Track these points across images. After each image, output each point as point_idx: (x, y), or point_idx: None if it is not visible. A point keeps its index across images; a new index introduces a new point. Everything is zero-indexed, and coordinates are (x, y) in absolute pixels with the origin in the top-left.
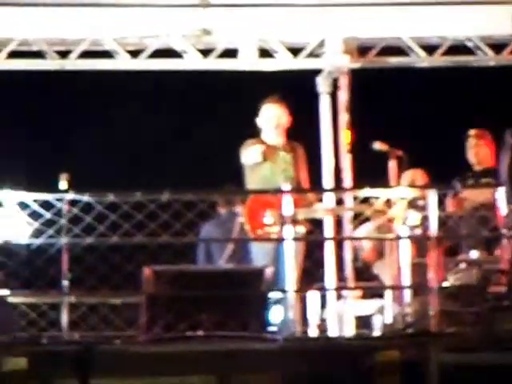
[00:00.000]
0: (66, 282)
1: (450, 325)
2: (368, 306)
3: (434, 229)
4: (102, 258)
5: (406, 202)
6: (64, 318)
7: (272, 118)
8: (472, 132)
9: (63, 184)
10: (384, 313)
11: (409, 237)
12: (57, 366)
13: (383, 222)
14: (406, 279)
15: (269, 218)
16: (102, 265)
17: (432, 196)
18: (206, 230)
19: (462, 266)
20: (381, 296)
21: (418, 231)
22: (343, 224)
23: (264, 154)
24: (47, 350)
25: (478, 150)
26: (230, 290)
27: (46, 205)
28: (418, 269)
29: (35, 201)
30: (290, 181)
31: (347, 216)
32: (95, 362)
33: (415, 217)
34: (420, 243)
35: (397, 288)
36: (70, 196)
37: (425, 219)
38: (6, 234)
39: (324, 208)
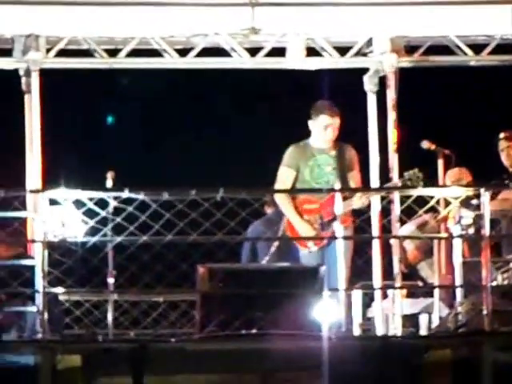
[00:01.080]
0: (111, 280)
1: (503, 324)
2: (414, 305)
3: (487, 228)
4: (158, 256)
5: (459, 201)
6: (110, 316)
7: (327, 129)
8: (502, 135)
9: (109, 182)
10: (431, 312)
11: (462, 236)
12: (111, 363)
13: (424, 221)
14: (458, 278)
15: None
16: (157, 263)
17: (485, 195)
18: (253, 229)
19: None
20: (427, 296)
21: (471, 230)
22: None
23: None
24: (102, 348)
25: (508, 152)
26: (284, 288)
27: (101, 203)
28: (469, 268)
29: (90, 199)
30: (331, 184)
31: (395, 215)
32: (150, 359)
33: (468, 215)
34: (471, 242)
35: (449, 287)
36: (126, 194)
37: (478, 218)
38: (61, 232)
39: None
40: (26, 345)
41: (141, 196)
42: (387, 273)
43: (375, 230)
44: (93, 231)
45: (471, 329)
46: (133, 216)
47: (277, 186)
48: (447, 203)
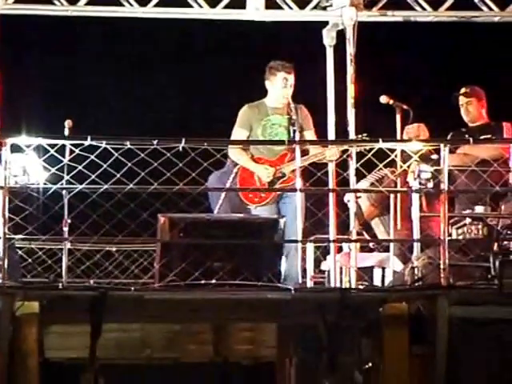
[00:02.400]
0: (65, 228)
1: (459, 278)
2: (369, 259)
3: (446, 182)
4: (119, 204)
5: (419, 156)
6: (64, 263)
7: (286, 86)
8: (462, 90)
9: (67, 131)
10: (385, 266)
11: (421, 190)
12: (70, 310)
13: (380, 176)
14: (416, 232)
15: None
16: (119, 212)
17: (445, 150)
18: (209, 180)
19: (467, 220)
20: (381, 250)
21: (430, 185)
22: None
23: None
24: (61, 295)
25: (468, 108)
26: (244, 239)
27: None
28: (425, 223)
29: (51, 146)
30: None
31: (352, 171)
32: (109, 307)
33: (427, 170)
34: (429, 197)
35: (407, 241)
36: (88, 142)
37: (437, 173)
38: (23, 179)
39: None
40: None
41: (103, 144)
42: (343, 227)
43: (331, 183)
44: (55, 179)
45: (427, 283)
46: (94, 164)
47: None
48: (405, 158)
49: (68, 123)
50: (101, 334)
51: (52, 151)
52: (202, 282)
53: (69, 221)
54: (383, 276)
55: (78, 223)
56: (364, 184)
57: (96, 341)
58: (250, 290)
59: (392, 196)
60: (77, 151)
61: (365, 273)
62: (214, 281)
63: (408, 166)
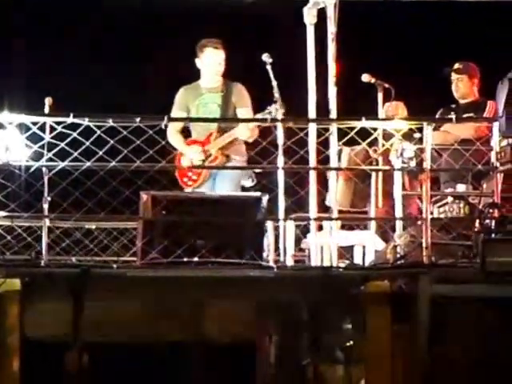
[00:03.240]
0: (45, 206)
1: (440, 257)
2: (349, 238)
3: (428, 161)
4: (101, 182)
5: (401, 134)
6: (44, 240)
7: (215, 64)
8: (455, 66)
9: (47, 108)
10: (365, 245)
11: (403, 169)
12: (52, 288)
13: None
14: (398, 211)
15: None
16: (100, 190)
17: (428, 128)
18: None
19: (449, 199)
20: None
21: (413, 163)
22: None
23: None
24: (42, 272)
25: (458, 84)
26: (227, 216)
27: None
28: (407, 201)
29: (34, 123)
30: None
31: (333, 149)
32: (91, 285)
33: (410, 148)
34: (412, 176)
35: (389, 219)
36: (70, 119)
37: (419, 151)
38: (4, 157)
39: None
40: None
41: (85, 122)
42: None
43: (311, 161)
44: (37, 157)
45: (409, 261)
46: (76, 142)
47: (168, 128)
48: (386, 137)
49: (48, 100)
50: (83, 312)
51: (34, 128)
52: (185, 259)
53: (49, 198)
54: (364, 254)
55: (60, 201)
56: (345, 151)
57: (78, 319)
58: (233, 267)
59: (373, 174)
60: (59, 128)
61: (345, 251)
62: (196, 258)
63: (390, 145)
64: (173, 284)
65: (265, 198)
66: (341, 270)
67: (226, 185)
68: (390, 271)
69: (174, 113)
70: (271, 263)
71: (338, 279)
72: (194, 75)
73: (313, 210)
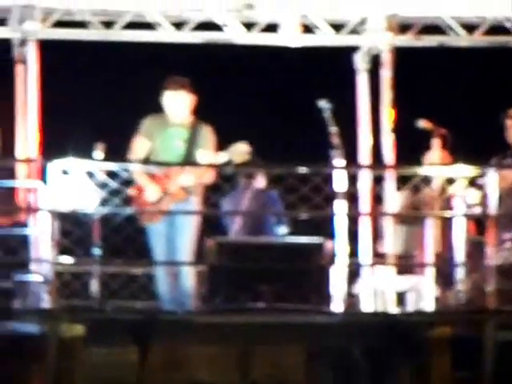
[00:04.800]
0: (97, 251)
1: (504, 302)
2: (403, 282)
3: (493, 206)
4: None
5: (466, 180)
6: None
7: (181, 104)
8: (510, 112)
9: (98, 154)
10: (419, 290)
11: (468, 214)
12: (117, 333)
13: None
14: (460, 256)
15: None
16: None
17: (492, 174)
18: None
19: (508, 244)
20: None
21: (476, 209)
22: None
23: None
24: (106, 318)
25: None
26: (290, 262)
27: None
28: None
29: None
30: (182, 157)
31: (388, 194)
32: (156, 331)
33: (474, 194)
34: (475, 221)
35: (453, 266)
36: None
37: (484, 197)
38: (72, 203)
39: None
40: (32, 313)
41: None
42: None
43: (364, 206)
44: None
45: (473, 307)
46: None
47: (130, 156)
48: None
49: (99, 146)
50: (148, 358)
51: (102, 176)
52: (249, 305)
53: (99, 243)
54: (417, 300)
55: (123, 246)
56: (401, 195)
57: (144, 364)
58: (296, 313)
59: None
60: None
61: (399, 296)
62: (260, 304)
63: (446, 190)
64: (238, 330)
65: (328, 244)
66: (405, 315)
67: (187, 223)
68: (455, 317)
69: (138, 140)
70: (335, 309)
71: (403, 325)
72: None
73: (366, 255)
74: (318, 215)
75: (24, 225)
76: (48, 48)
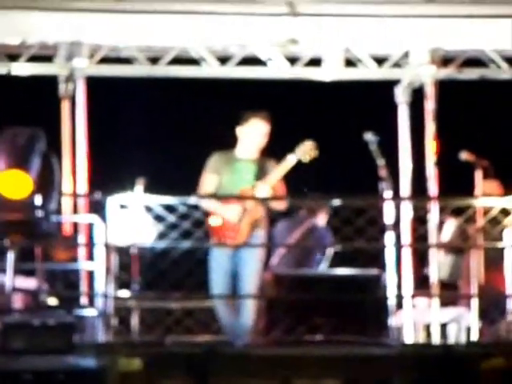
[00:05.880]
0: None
1: None
2: (444, 314)
3: None
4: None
5: None
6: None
7: (260, 136)
8: None
9: (139, 188)
10: (460, 322)
11: None
12: (175, 368)
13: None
14: (510, 288)
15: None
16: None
17: None
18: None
19: None
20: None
21: None
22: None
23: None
24: (165, 352)
25: None
26: (348, 294)
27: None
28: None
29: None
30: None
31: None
32: (215, 364)
33: None
34: None
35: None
36: (193, 200)
37: None
38: (131, 237)
39: None
40: (90, 347)
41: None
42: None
43: (406, 237)
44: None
45: None
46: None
47: (200, 192)
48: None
49: (140, 181)
50: None
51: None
52: (307, 337)
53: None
54: (459, 332)
55: (180, 279)
56: (451, 223)
57: None
58: (355, 345)
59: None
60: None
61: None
62: (319, 337)
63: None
64: (297, 362)
65: (383, 276)
66: (461, 347)
67: (252, 257)
68: (506, 348)
69: (206, 175)
70: (394, 341)
71: (459, 357)
72: None
73: (409, 286)
74: (372, 247)
75: (81, 259)
76: (93, 84)
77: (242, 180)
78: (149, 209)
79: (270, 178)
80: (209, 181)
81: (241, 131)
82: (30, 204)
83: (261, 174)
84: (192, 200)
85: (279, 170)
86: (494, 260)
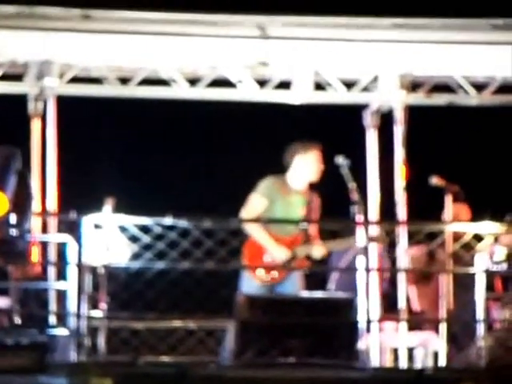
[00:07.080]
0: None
1: None
2: (412, 338)
3: None
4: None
5: (492, 237)
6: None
7: (315, 167)
8: None
9: (108, 208)
10: (427, 346)
11: (495, 272)
12: None
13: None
14: (480, 313)
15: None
16: (198, 290)
17: None
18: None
19: None
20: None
21: (503, 266)
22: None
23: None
24: (137, 372)
25: None
26: (320, 317)
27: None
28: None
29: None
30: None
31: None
32: None
33: (501, 251)
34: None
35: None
36: (168, 221)
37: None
38: (105, 257)
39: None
40: (62, 367)
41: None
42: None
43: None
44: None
45: (495, 364)
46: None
47: (245, 212)
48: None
49: (109, 201)
50: None
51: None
52: (280, 360)
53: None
54: (426, 357)
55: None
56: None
57: None
58: (328, 368)
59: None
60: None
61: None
62: (291, 359)
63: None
64: None
65: (356, 300)
66: (434, 371)
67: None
68: (483, 374)
69: (257, 197)
70: (365, 364)
71: (430, 381)
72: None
73: (376, 311)
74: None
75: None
76: (63, 103)
77: (295, 213)
78: (123, 229)
79: (329, 244)
80: (258, 204)
81: (298, 161)
82: (5, 223)
83: (308, 208)
84: (166, 221)
85: (340, 243)
86: (464, 285)
